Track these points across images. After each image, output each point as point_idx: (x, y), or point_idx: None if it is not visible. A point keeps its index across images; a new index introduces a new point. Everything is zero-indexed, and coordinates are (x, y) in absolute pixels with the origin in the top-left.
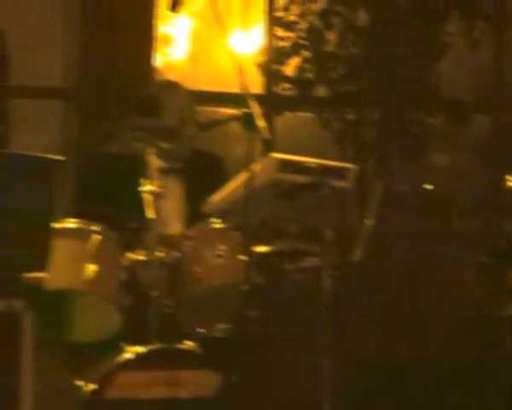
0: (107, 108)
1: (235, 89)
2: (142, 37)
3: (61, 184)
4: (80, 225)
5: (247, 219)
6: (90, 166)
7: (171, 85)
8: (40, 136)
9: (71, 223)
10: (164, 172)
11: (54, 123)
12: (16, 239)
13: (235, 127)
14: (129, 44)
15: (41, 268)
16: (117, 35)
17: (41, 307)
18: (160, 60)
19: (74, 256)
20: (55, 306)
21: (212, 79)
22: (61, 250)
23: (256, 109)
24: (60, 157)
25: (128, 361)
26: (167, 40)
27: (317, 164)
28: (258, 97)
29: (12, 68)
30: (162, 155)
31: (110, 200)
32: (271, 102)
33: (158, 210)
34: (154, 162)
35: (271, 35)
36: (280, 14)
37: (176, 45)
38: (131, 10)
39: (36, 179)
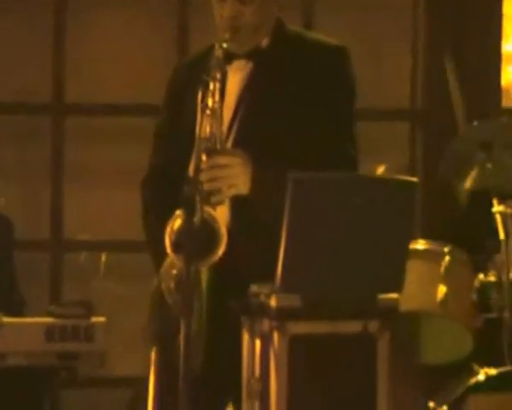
0: (453, 126)
1: None
2: (488, 55)
3: (414, 205)
4: (431, 246)
5: None
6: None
7: None
8: (388, 159)
9: (421, 244)
10: None
11: (401, 145)
12: (373, 259)
13: None
14: (475, 63)
15: (396, 289)
16: (464, 53)
17: (395, 329)
18: (503, 78)
19: (426, 278)
20: (408, 328)
21: None
22: (412, 272)
23: None
24: (414, 179)
25: (479, 384)
26: (511, 59)
27: None
28: None
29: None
30: None
31: (461, 220)
32: None
33: (508, 231)
34: None
35: None
36: None
37: None
38: (478, 29)
39: (397, 201)
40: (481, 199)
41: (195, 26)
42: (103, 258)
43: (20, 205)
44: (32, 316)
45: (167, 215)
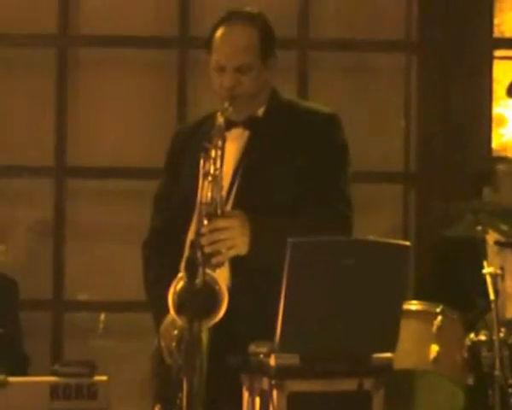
0: (448, 190)
1: None
2: (479, 117)
3: (407, 267)
4: (423, 307)
5: None
6: (432, 249)
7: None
8: (380, 220)
9: (414, 305)
10: (501, 245)
11: (394, 207)
12: (368, 319)
13: None
14: (467, 124)
15: (390, 348)
16: (454, 115)
17: (389, 386)
18: (494, 140)
19: (419, 337)
20: (402, 385)
21: None
22: (406, 331)
23: None
24: (407, 243)
25: None
26: (501, 121)
27: None
28: None
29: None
30: (501, 234)
31: (452, 281)
32: None
33: (498, 291)
34: (491, 239)
35: None
36: None
37: (509, 126)
38: (469, 91)
39: (391, 264)
40: (472, 260)
41: (194, 87)
42: (102, 317)
43: (22, 265)
44: (36, 375)
45: (168, 276)
